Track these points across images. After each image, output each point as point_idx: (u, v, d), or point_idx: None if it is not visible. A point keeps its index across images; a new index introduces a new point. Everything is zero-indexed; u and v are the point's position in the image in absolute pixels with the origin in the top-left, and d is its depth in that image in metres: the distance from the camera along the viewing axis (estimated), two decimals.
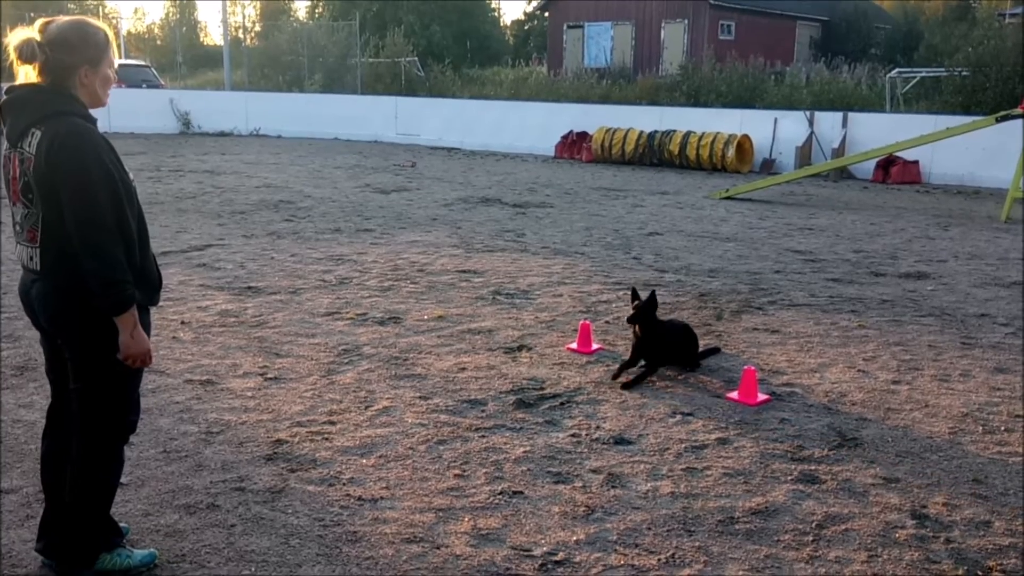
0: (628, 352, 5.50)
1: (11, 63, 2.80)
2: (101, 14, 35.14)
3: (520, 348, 5.83)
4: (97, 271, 2.73)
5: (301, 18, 42.09)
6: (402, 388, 5.05)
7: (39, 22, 2.80)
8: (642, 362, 5.33)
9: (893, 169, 15.98)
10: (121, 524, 3.29)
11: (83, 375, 2.94)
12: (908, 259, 9.08)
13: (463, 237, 9.76)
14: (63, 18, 2.85)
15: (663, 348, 5.34)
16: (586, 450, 4.27)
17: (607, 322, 6.48)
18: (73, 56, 2.79)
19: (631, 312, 5.29)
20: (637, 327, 5.28)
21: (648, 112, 19.78)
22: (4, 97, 2.82)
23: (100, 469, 3.04)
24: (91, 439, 3.00)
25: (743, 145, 17.45)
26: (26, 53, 2.76)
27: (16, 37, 2.77)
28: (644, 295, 5.42)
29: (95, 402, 2.96)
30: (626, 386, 5.14)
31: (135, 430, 3.19)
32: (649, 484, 3.92)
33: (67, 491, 3.03)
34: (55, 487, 3.10)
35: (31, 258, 2.85)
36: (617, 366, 5.37)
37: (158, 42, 54.14)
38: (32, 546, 3.26)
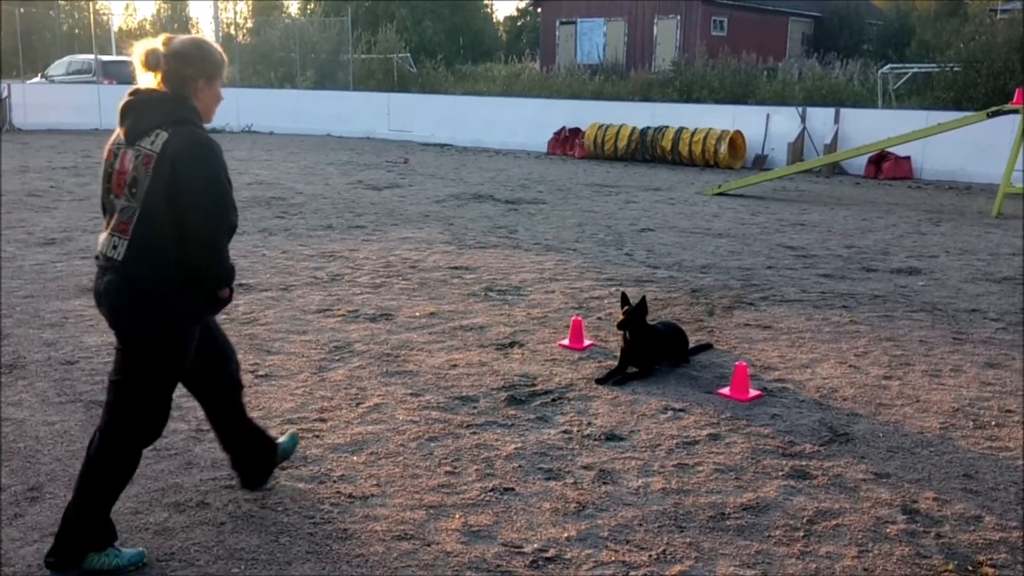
0: (618, 352, 5.47)
1: (134, 70, 3.07)
2: (92, 10, 34.93)
3: (512, 344, 5.83)
4: (213, 263, 3.00)
5: (293, 14, 41.94)
6: (393, 385, 5.04)
7: (163, 36, 3.07)
8: (631, 368, 5.29)
9: (885, 165, 16.01)
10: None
11: (128, 368, 3.05)
12: (899, 255, 9.09)
13: (455, 233, 9.75)
14: (184, 36, 3.13)
15: (653, 352, 5.32)
16: (577, 446, 4.27)
17: (599, 318, 6.48)
18: (192, 68, 3.04)
19: (620, 318, 5.24)
20: (627, 332, 5.24)
21: (640, 108, 19.78)
22: (129, 99, 3.02)
23: (117, 467, 3.13)
24: (116, 435, 3.09)
25: (735, 141, 17.46)
26: (151, 62, 3.00)
27: (142, 47, 3.01)
28: (635, 295, 5.41)
29: (131, 397, 3.07)
30: (600, 381, 5.12)
31: (160, 435, 3.26)
32: (640, 480, 3.91)
33: (76, 485, 3.10)
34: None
35: (115, 247, 2.99)
36: (607, 368, 5.36)
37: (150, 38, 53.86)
38: (19, 544, 3.25)
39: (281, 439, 3.82)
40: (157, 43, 3.03)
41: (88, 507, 3.07)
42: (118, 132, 3.05)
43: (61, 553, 3.06)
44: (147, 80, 3.06)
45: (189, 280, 3.01)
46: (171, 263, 2.97)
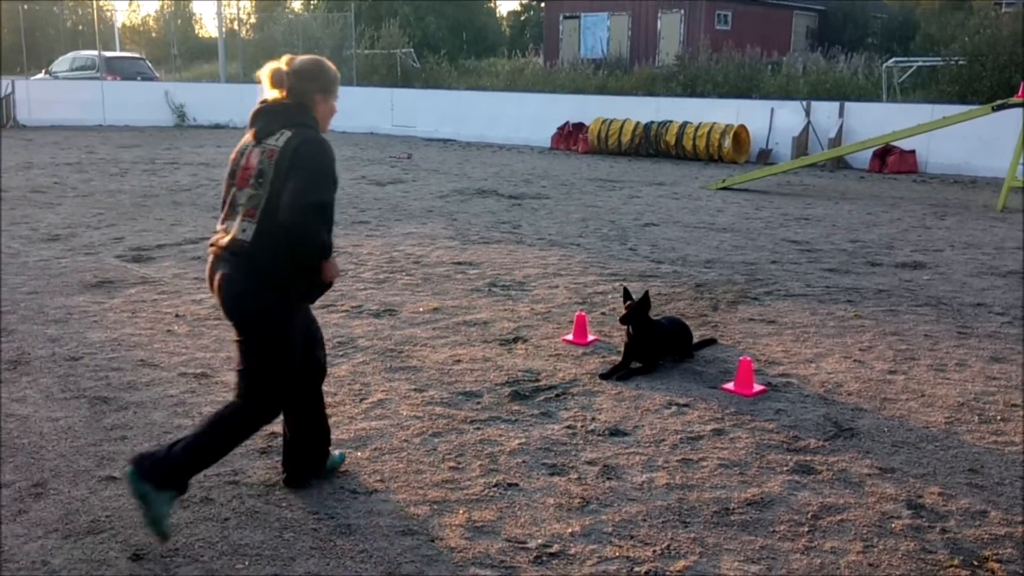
0: (622, 348, 5.46)
1: (263, 85, 3.47)
2: (96, 6, 34.93)
3: (516, 340, 5.82)
4: (310, 234, 3.24)
5: (296, 10, 41.92)
6: (397, 380, 5.04)
7: (286, 57, 3.49)
8: (635, 364, 5.27)
9: (890, 159, 15.96)
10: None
11: (250, 358, 3.41)
12: (904, 249, 9.07)
13: (459, 229, 9.74)
14: (305, 56, 3.55)
15: (657, 348, 5.30)
16: (581, 442, 4.26)
17: (603, 313, 6.47)
18: (311, 84, 3.44)
19: (624, 312, 5.23)
20: (630, 327, 5.23)
21: (644, 103, 19.74)
22: (259, 107, 3.44)
23: (239, 436, 3.51)
24: (247, 415, 3.46)
25: (739, 135, 17.42)
26: (277, 80, 3.41)
27: (268, 68, 3.44)
28: (637, 289, 5.40)
29: (258, 384, 3.43)
30: (604, 376, 5.12)
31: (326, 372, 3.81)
32: (644, 475, 3.91)
33: (200, 430, 3.43)
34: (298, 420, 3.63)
35: (244, 231, 3.29)
36: (611, 363, 5.35)
37: (153, 35, 53.95)
38: (23, 540, 3.26)
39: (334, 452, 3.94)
40: (281, 64, 3.44)
41: (202, 455, 3.40)
42: (247, 136, 3.43)
43: (162, 476, 3.29)
44: (272, 95, 3.45)
45: (297, 261, 3.30)
46: (277, 234, 3.24)
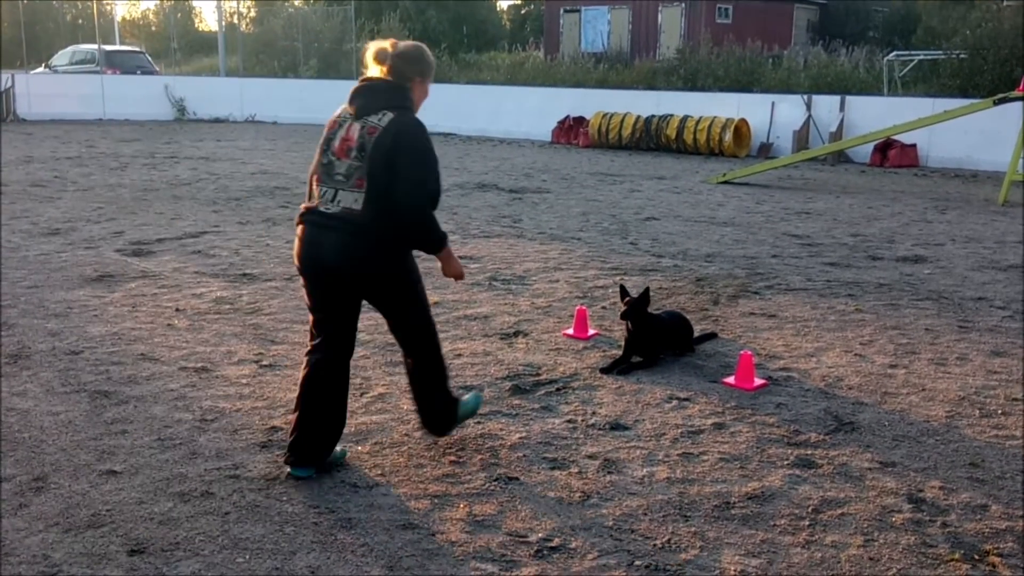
0: (622, 342, 5.46)
1: (365, 63, 3.73)
2: (96, 1, 34.87)
3: (516, 334, 5.82)
4: (423, 221, 3.62)
5: (296, 3, 41.84)
6: (398, 374, 5.03)
7: (391, 40, 3.72)
8: (636, 358, 5.27)
9: (891, 152, 15.94)
10: (338, 448, 3.91)
11: (402, 301, 3.81)
12: (905, 243, 9.06)
13: (459, 223, 9.73)
14: (407, 41, 3.77)
15: (657, 342, 5.30)
16: (582, 436, 4.26)
17: (604, 308, 6.46)
18: (411, 67, 3.68)
19: (623, 308, 5.22)
20: (629, 323, 5.22)
21: (645, 96, 19.70)
22: (362, 84, 3.67)
23: (440, 356, 3.95)
24: (427, 341, 3.89)
25: (740, 129, 17.39)
26: (380, 57, 3.65)
27: (374, 46, 3.68)
28: (639, 283, 5.39)
29: (420, 316, 3.86)
30: (605, 370, 5.12)
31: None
32: (645, 470, 3.91)
33: (422, 381, 3.92)
34: (316, 406, 3.73)
35: (356, 200, 3.53)
36: (612, 358, 5.35)
37: (153, 28, 53.80)
38: (24, 534, 3.26)
39: (466, 396, 4.26)
40: (386, 44, 3.67)
41: (444, 388, 3.95)
42: (345, 108, 3.66)
43: (443, 425, 3.99)
44: (374, 71, 3.68)
45: (414, 247, 3.72)
46: (387, 214, 3.53)
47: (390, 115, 3.54)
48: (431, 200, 3.59)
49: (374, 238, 3.56)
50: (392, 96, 3.61)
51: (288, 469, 3.77)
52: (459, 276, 3.96)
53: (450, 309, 6.35)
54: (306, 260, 3.67)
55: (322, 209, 3.60)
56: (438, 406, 3.97)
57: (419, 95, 3.74)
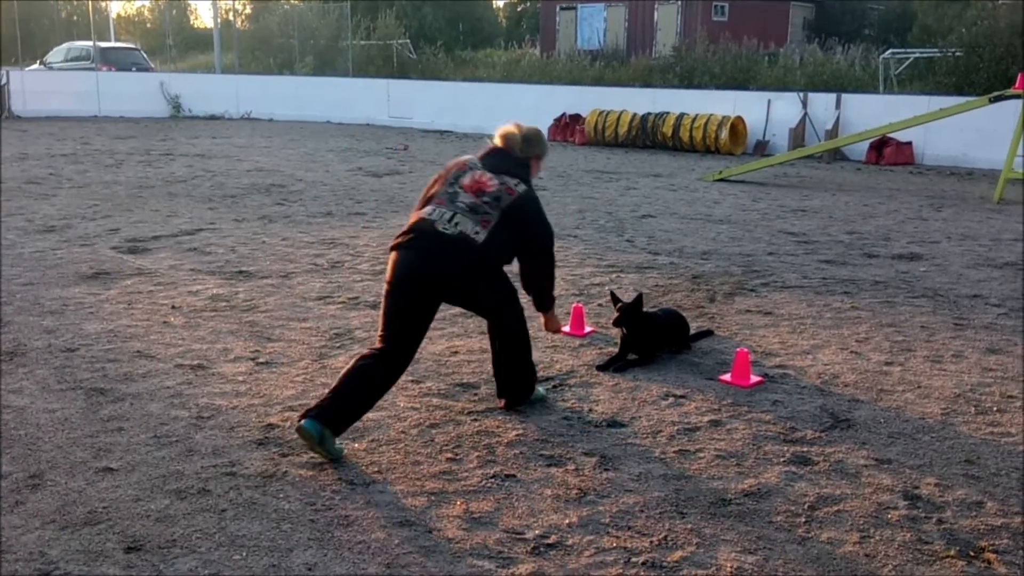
0: (619, 339, 5.45)
1: (495, 139, 4.41)
2: None
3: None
4: (548, 288, 4.55)
5: (292, 0, 41.76)
6: None
7: (514, 124, 4.39)
8: (632, 355, 5.26)
9: (886, 150, 15.97)
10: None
11: (496, 296, 4.28)
12: (901, 240, 9.07)
13: None
14: (529, 126, 4.45)
15: (654, 342, 5.30)
16: (579, 433, 4.27)
17: (600, 305, 6.47)
18: (533, 148, 4.40)
19: (615, 316, 5.20)
20: (624, 328, 5.20)
21: (641, 94, 19.71)
22: (493, 149, 4.35)
23: (527, 336, 4.43)
24: (518, 324, 4.36)
25: (736, 127, 17.41)
26: (510, 141, 4.35)
27: (504, 129, 4.37)
28: (636, 280, 5.38)
29: (511, 303, 4.34)
30: (601, 367, 5.12)
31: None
32: (642, 467, 3.91)
33: (508, 359, 4.41)
34: (354, 393, 3.96)
35: (476, 233, 4.06)
36: (608, 355, 5.35)
37: (148, 25, 53.62)
38: (21, 531, 3.26)
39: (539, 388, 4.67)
40: (513, 128, 4.36)
41: (530, 367, 4.49)
42: (473, 158, 4.32)
43: (519, 397, 4.49)
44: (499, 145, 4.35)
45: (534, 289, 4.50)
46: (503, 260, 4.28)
47: (523, 186, 4.21)
48: (554, 266, 4.55)
49: (486, 264, 4.13)
50: (522, 169, 4.30)
51: (301, 422, 3.83)
52: (557, 330, 4.85)
53: (446, 307, 6.33)
54: (409, 269, 4.04)
55: (439, 228, 4.06)
56: (521, 381, 4.48)
57: (535, 171, 4.42)
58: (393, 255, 4.13)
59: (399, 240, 4.14)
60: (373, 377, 4.01)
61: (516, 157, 4.31)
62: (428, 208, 4.18)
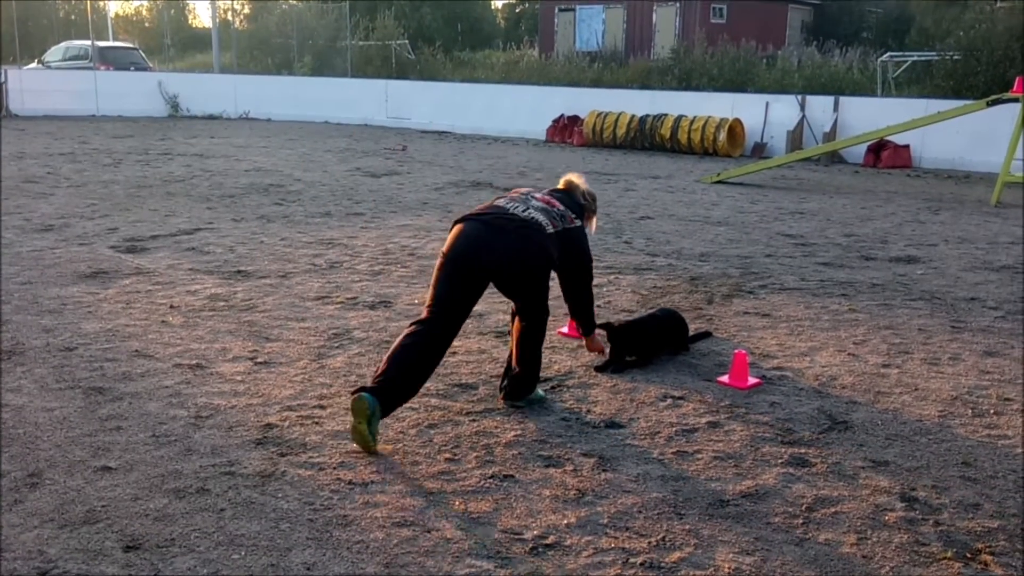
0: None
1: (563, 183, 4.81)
2: None
3: (510, 333, 5.81)
4: (590, 310, 4.83)
5: (291, 0, 41.76)
6: None
7: (581, 178, 4.84)
8: (630, 356, 5.27)
9: (884, 153, 16.00)
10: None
11: (537, 295, 4.41)
12: (898, 243, 9.09)
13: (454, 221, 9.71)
14: (588, 186, 4.82)
15: (651, 346, 5.30)
16: (577, 434, 4.27)
17: (598, 306, 6.47)
18: (592, 203, 4.80)
19: (607, 360, 5.19)
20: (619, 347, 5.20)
21: (639, 96, 19.73)
22: (564, 187, 4.75)
23: (540, 343, 4.54)
24: (540, 326, 4.47)
25: (734, 129, 17.43)
26: (575, 188, 4.75)
27: (572, 177, 4.81)
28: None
29: (545, 300, 4.46)
30: (599, 368, 5.13)
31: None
32: (640, 468, 3.92)
33: (523, 352, 4.49)
34: (404, 369, 4.07)
35: (546, 225, 4.35)
36: (606, 356, 5.35)
37: (146, 24, 53.59)
38: (19, 530, 3.26)
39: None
40: (580, 179, 4.79)
41: (535, 366, 4.55)
42: (542, 191, 4.64)
43: (519, 392, 4.56)
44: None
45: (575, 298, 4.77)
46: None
47: (580, 221, 4.56)
48: (593, 294, 4.80)
49: (546, 249, 4.30)
50: (581, 211, 4.64)
51: (360, 393, 3.95)
52: (599, 351, 5.09)
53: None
54: (473, 239, 4.22)
55: (513, 211, 4.32)
56: (525, 376, 4.53)
57: (589, 226, 4.77)
58: (457, 227, 4.29)
59: (468, 214, 4.36)
60: (422, 353, 4.11)
61: (579, 201, 4.66)
62: (502, 200, 4.46)
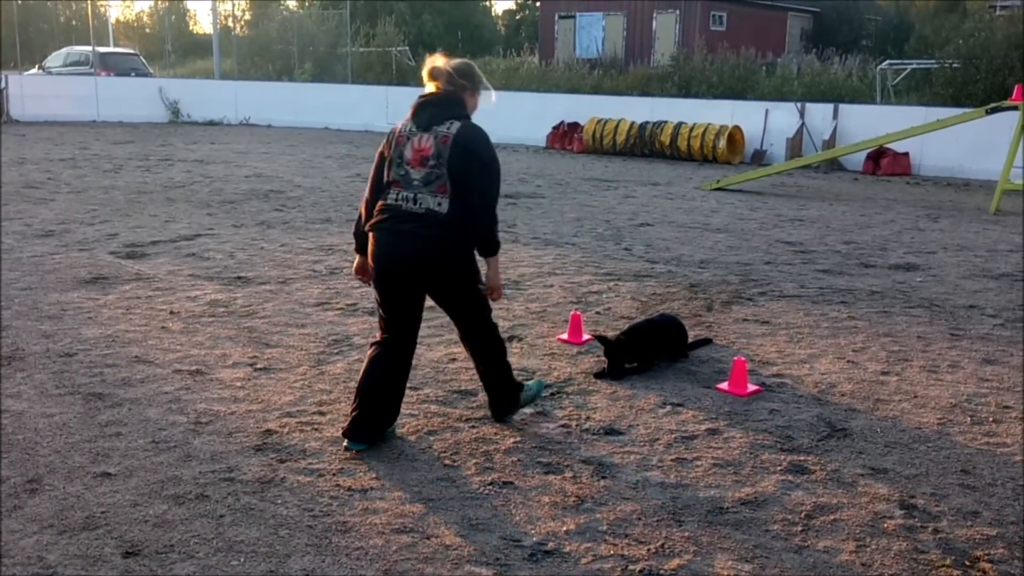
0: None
1: (422, 79, 4.14)
2: (90, 2, 34.80)
3: (511, 339, 5.82)
4: (489, 224, 4.05)
5: (291, 7, 41.86)
6: None
7: (443, 57, 4.12)
8: (629, 364, 5.27)
9: (883, 161, 16.02)
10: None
11: (465, 297, 4.15)
12: (898, 250, 9.10)
13: None
14: (458, 59, 4.16)
15: (651, 353, 5.31)
16: (576, 440, 4.28)
17: (598, 313, 6.48)
18: (464, 81, 4.08)
19: (605, 367, 5.18)
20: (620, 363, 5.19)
21: (639, 103, 19.76)
22: (424, 99, 4.05)
23: (500, 346, 4.36)
24: (487, 334, 4.28)
25: (734, 136, 17.46)
26: (438, 74, 4.05)
27: (431, 63, 4.08)
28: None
29: (479, 310, 4.22)
30: (599, 375, 5.13)
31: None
32: (639, 475, 3.92)
33: (486, 370, 4.34)
34: (374, 397, 4.10)
35: (439, 204, 3.92)
36: (606, 363, 5.35)
37: (147, 30, 53.74)
38: (19, 536, 3.26)
39: (529, 383, 4.63)
40: (440, 62, 4.07)
41: (506, 373, 4.38)
42: (409, 123, 4.02)
43: (505, 409, 4.42)
44: (429, 87, 4.08)
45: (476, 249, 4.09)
46: (465, 214, 3.96)
47: (457, 124, 3.96)
48: (495, 205, 4.06)
49: (456, 235, 3.94)
50: (453, 107, 4.03)
51: (345, 443, 4.09)
52: (498, 289, 4.23)
53: (444, 313, 6.34)
54: (385, 258, 4.00)
55: (404, 209, 3.95)
56: (503, 393, 4.40)
57: (471, 106, 4.15)
58: (371, 236, 4.06)
59: (375, 221, 4.04)
60: (388, 377, 4.14)
61: (448, 98, 4.04)
62: (392, 195, 4.01)
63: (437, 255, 3.97)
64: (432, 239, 3.93)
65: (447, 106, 4.04)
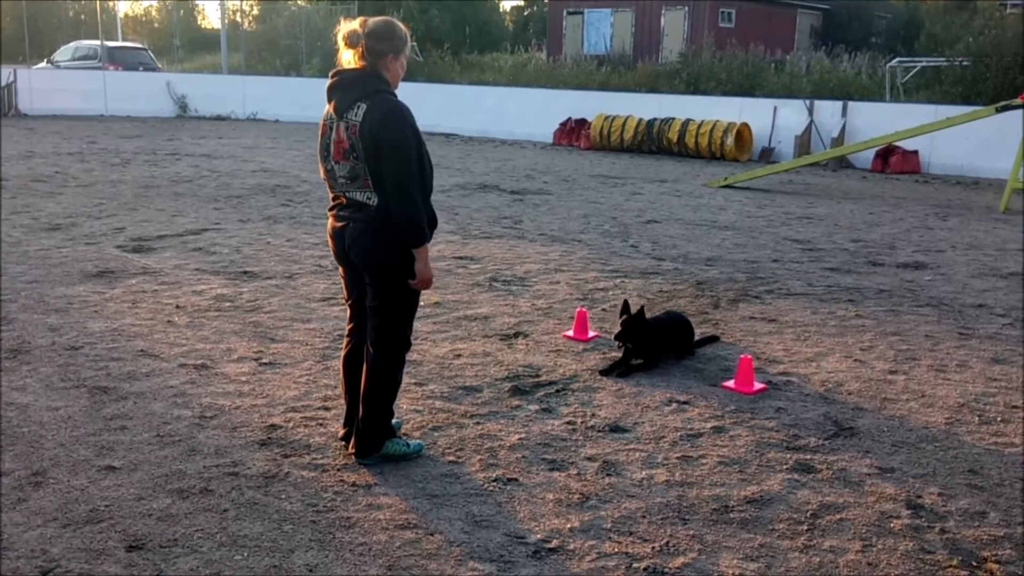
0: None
1: (338, 48, 3.68)
2: None
3: (516, 335, 5.81)
4: (406, 212, 3.57)
5: (299, 2, 41.84)
6: None
7: (359, 19, 3.65)
8: (636, 360, 5.26)
9: (892, 159, 15.94)
10: (394, 420, 4.00)
11: (381, 295, 3.73)
12: (906, 249, 9.06)
13: (460, 223, 9.73)
14: (378, 18, 3.72)
15: (657, 349, 5.29)
16: (581, 437, 4.26)
17: (604, 310, 6.46)
18: (383, 44, 3.62)
19: (619, 331, 5.18)
20: (628, 344, 5.18)
21: (647, 99, 19.70)
22: (333, 80, 3.66)
23: (390, 369, 3.86)
24: (383, 346, 3.80)
25: (742, 133, 17.40)
26: (352, 39, 3.60)
27: (344, 28, 3.63)
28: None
29: (388, 316, 3.77)
30: (604, 372, 5.12)
31: (410, 346, 3.96)
32: (644, 472, 3.91)
33: (363, 388, 3.84)
34: (354, 388, 3.89)
35: (369, 199, 3.61)
36: (611, 360, 5.34)
37: (155, 25, 53.80)
38: (22, 529, 3.26)
39: (408, 441, 4.08)
40: (356, 25, 3.62)
41: (380, 404, 3.84)
42: (328, 108, 3.66)
43: (362, 446, 3.86)
44: (347, 56, 3.66)
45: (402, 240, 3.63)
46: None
47: (363, 106, 3.56)
48: (414, 189, 3.57)
49: (386, 233, 3.62)
50: (363, 85, 3.61)
51: (358, 461, 3.91)
52: (426, 280, 3.72)
53: (451, 309, 6.35)
54: (334, 249, 3.83)
55: (348, 195, 3.69)
56: (367, 431, 3.88)
57: (394, 72, 3.70)
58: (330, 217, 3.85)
59: (330, 207, 3.83)
60: (366, 372, 3.86)
61: (358, 75, 3.64)
62: (331, 194, 3.79)
63: (366, 251, 3.67)
64: (363, 234, 3.64)
65: (356, 84, 3.62)
